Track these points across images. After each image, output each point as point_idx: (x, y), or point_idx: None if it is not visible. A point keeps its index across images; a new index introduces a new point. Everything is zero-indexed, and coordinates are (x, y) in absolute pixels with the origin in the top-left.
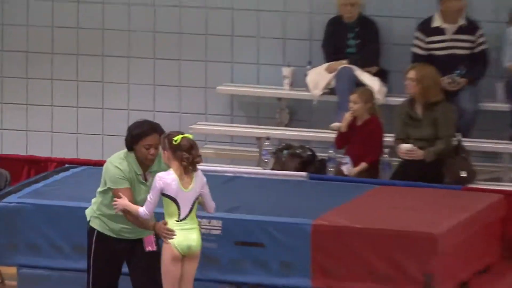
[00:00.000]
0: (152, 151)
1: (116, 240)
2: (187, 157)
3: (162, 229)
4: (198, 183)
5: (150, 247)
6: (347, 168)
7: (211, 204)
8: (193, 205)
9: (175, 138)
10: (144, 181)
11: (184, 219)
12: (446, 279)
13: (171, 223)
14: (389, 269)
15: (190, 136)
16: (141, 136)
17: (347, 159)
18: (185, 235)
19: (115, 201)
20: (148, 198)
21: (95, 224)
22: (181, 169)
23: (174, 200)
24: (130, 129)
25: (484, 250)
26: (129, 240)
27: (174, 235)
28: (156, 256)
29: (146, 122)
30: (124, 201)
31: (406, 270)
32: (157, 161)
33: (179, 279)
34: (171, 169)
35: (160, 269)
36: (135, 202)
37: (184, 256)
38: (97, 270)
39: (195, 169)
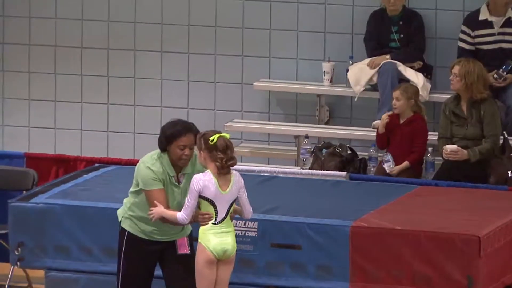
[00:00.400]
0: (186, 151)
1: (147, 242)
2: (221, 157)
3: (198, 215)
4: (236, 185)
5: (183, 250)
6: (389, 166)
7: (248, 208)
8: (229, 208)
9: (211, 138)
10: (177, 184)
11: (220, 222)
12: (489, 282)
13: (207, 226)
14: (430, 272)
15: (227, 135)
16: (175, 136)
17: (388, 156)
18: (220, 239)
19: (151, 210)
20: (186, 202)
21: (126, 225)
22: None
23: (212, 202)
24: (164, 129)
25: None
26: (161, 242)
27: (212, 217)
28: (190, 259)
29: (180, 122)
30: (159, 209)
31: (448, 273)
32: (191, 163)
33: (213, 283)
34: (208, 171)
35: (194, 273)
36: (168, 204)
37: (219, 260)
38: (127, 273)
39: (228, 171)
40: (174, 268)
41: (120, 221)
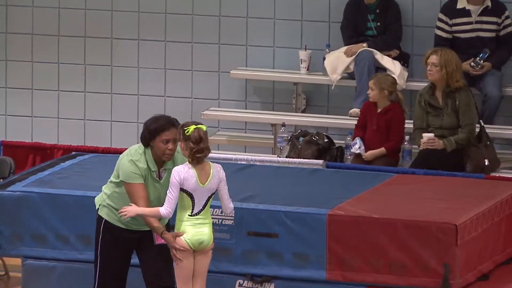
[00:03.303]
0: (170, 145)
1: (124, 230)
2: (191, 147)
3: (170, 243)
4: (215, 178)
5: (160, 241)
6: (357, 148)
7: (227, 204)
8: (207, 201)
9: (186, 129)
10: (158, 179)
11: (197, 214)
12: (466, 271)
13: (183, 216)
14: (407, 260)
15: (204, 127)
16: (158, 131)
17: (356, 139)
18: (196, 230)
19: (123, 209)
20: (169, 195)
21: (103, 213)
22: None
23: (190, 195)
24: (147, 124)
25: (506, 241)
26: (138, 231)
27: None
28: (167, 249)
29: (163, 117)
30: (134, 208)
31: (424, 261)
32: (172, 158)
33: (191, 272)
34: (187, 163)
35: (171, 260)
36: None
37: (195, 251)
38: (104, 260)
39: (199, 162)
40: (152, 258)
41: (98, 208)
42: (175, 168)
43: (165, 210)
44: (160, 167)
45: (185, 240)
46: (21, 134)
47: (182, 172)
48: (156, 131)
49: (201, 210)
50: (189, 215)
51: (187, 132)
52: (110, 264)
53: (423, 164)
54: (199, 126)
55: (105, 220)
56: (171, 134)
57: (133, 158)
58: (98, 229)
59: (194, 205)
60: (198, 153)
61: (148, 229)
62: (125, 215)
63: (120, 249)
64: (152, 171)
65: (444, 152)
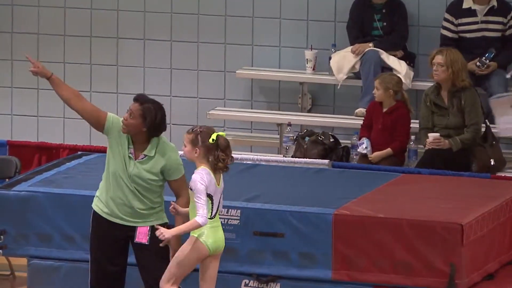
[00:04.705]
0: (126, 115)
1: (110, 224)
2: (223, 157)
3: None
4: (222, 179)
5: (141, 239)
6: (363, 148)
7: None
8: (219, 201)
9: (212, 137)
10: (132, 157)
11: (214, 216)
12: (472, 270)
13: None
14: (413, 260)
15: (224, 134)
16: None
17: (363, 139)
18: (215, 234)
19: (158, 229)
20: (199, 201)
21: (94, 204)
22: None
23: (211, 198)
24: None
25: None
26: (123, 227)
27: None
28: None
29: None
30: (170, 231)
31: (430, 261)
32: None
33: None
34: (204, 167)
35: (164, 250)
36: (123, 170)
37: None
38: (94, 253)
39: (227, 169)
40: (143, 255)
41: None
42: (196, 175)
43: (202, 218)
44: (139, 149)
45: (206, 245)
46: (26, 134)
47: (205, 177)
48: None
49: (217, 211)
50: (208, 218)
51: (212, 140)
52: (100, 256)
53: (428, 164)
54: (220, 133)
55: (94, 210)
56: (132, 106)
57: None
58: (91, 221)
59: (213, 208)
60: (231, 160)
61: (131, 225)
62: (163, 236)
63: (104, 242)
64: (129, 147)
65: (450, 152)
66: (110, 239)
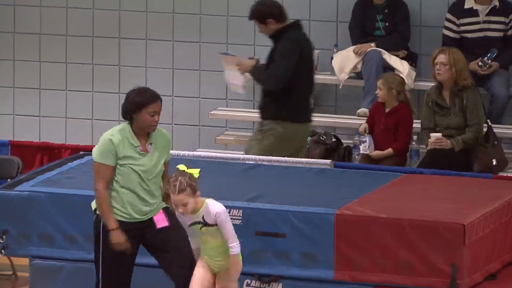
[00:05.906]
0: (156, 117)
1: (124, 223)
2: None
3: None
4: None
5: (162, 224)
6: (365, 147)
7: None
8: None
9: (195, 174)
10: (143, 152)
11: None
12: (473, 271)
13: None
14: (415, 260)
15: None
16: (145, 104)
17: (366, 137)
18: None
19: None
20: (231, 231)
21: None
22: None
23: None
24: (132, 96)
25: None
26: (139, 222)
27: None
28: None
29: (148, 89)
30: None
31: (432, 261)
32: (159, 134)
33: None
34: (212, 200)
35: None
36: (144, 173)
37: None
38: (107, 261)
39: None
40: (171, 235)
41: (95, 209)
42: (219, 209)
43: (235, 245)
44: (144, 142)
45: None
46: (28, 134)
47: (223, 207)
48: (143, 104)
49: None
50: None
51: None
52: (115, 263)
53: (431, 164)
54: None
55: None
56: (157, 106)
57: (109, 134)
58: (97, 226)
59: None
60: None
61: (144, 219)
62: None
63: (132, 240)
64: (135, 146)
65: (452, 152)
66: (134, 239)
